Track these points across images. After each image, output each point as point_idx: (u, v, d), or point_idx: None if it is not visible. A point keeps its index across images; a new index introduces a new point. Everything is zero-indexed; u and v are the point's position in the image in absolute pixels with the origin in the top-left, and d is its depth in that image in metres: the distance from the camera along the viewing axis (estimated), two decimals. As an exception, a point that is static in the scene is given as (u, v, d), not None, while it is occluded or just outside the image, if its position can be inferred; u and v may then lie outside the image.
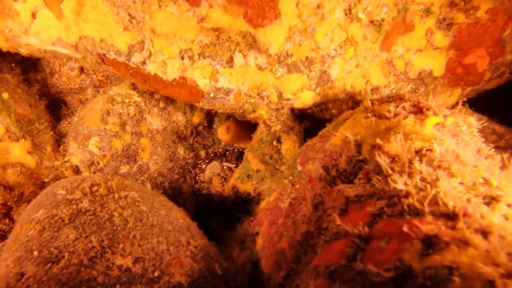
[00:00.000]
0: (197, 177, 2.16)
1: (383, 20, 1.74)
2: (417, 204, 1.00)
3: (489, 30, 1.81)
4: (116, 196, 1.40)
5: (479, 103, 2.18)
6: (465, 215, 0.92)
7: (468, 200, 1.00)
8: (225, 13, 1.61)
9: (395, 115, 1.40)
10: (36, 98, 2.20)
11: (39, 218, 1.29)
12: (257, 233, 1.64)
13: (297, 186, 1.56)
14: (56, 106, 2.28)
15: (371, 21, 1.73)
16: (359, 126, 1.44)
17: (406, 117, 1.36)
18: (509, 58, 1.90)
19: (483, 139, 1.35)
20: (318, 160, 1.47)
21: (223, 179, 2.07)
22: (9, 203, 1.66)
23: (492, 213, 0.93)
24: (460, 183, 1.09)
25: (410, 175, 1.15)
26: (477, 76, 1.94)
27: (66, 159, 2.03)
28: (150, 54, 1.72)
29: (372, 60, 1.78)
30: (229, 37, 1.69)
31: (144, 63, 1.73)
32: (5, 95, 1.94)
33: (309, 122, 1.99)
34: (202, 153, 2.21)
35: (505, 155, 1.22)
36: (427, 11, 1.78)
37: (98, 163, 1.92)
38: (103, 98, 1.96)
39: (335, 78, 1.75)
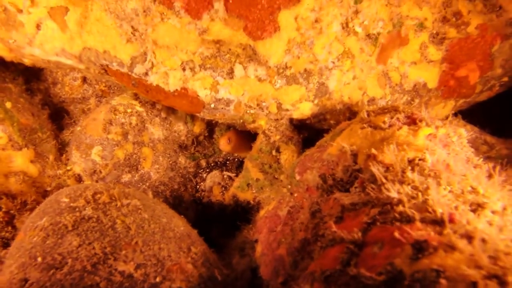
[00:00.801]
0: (197, 186, 2.21)
1: (379, 33, 1.81)
2: (409, 212, 1.06)
3: (479, 45, 1.88)
4: (119, 203, 1.45)
5: (473, 115, 2.25)
6: (452, 221, 0.97)
7: (456, 207, 1.06)
8: (225, 26, 1.68)
9: (390, 126, 1.46)
10: (38, 107, 2.25)
11: (43, 225, 1.33)
12: (256, 241, 1.69)
13: (295, 195, 1.61)
14: (58, 116, 2.33)
15: (368, 35, 1.80)
16: (355, 137, 1.50)
17: (400, 128, 1.42)
18: (498, 72, 1.97)
19: (472, 149, 1.41)
20: (315, 169, 1.52)
21: (223, 188, 2.12)
22: (11, 212, 1.70)
23: (478, 219, 0.98)
24: (450, 191, 1.14)
25: (402, 184, 1.21)
26: (469, 89, 2.01)
27: (68, 167, 2.07)
28: (152, 66, 1.78)
29: (368, 72, 1.85)
30: (230, 49, 1.75)
31: (146, 74, 1.79)
32: (8, 105, 1.99)
33: (308, 132, 2.05)
34: (203, 163, 2.26)
35: (491, 165, 1.28)
36: (421, 26, 1.85)
37: (101, 172, 1.97)
38: (105, 108, 2.02)
39: (333, 89, 1.82)
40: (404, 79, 1.93)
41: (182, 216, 1.74)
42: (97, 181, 2.02)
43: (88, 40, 1.71)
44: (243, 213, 2.07)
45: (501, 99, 2.24)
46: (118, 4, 1.66)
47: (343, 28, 1.75)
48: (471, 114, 2.21)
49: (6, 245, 1.62)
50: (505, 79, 2.03)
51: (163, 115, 2.15)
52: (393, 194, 1.13)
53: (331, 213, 1.35)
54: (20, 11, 1.64)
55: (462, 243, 0.87)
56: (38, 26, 1.68)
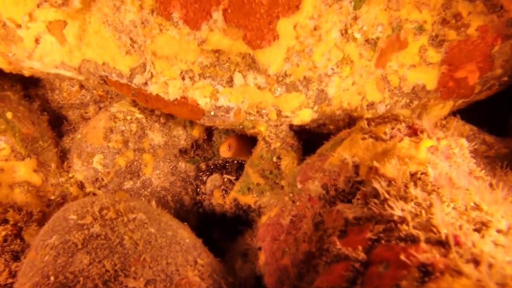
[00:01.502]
0: (198, 189, 2.23)
1: (378, 38, 1.80)
2: (413, 232, 1.08)
3: (479, 46, 1.88)
4: (125, 219, 1.47)
5: (471, 110, 2.26)
6: (457, 243, 1.00)
7: (460, 227, 1.08)
8: (225, 36, 1.66)
9: (391, 137, 1.47)
10: (37, 114, 2.24)
11: (53, 243, 1.35)
12: (260, 248, 1.72)
13: (297, 204, 1.63)
14: (57, 122, 2.32)
15: (367, 40, 1.79)
16: (357, 147, 1.51)
17: (402, 139, 1.43)
18: (498, 72, 1.98)
19: (474, 160, 1.43)
20: (317, 179, 1.54)
21: (224, 191, 2.14)
22: (19, 224, 1.71)
23: (483, 241, 1.01)
24: (453, 208, 1.17)
25: (405, 200, 1.23)
26: (468, 89, 2.01)
27: (70, 175, 2.08)
28: (152, 76, 1.77)
29: (367, 77, 1.85)
30: (229, 58, 1.74)
31: (146, 84, 1.78)
32: (9, 115, 1.98)
33: (307, 135, 2.06)
34: (203, 166, 2.28)
35: (494, 181, 1.30)
36: (420, 29, 1.84)
37: (103, 180, 1.98)
38: (105, 116, 2.01)
39: (332, 96, 1.82)
40: (403, 82, 1.93)
41: (186, 223, 1.76)
42: (99, 188, 2.03)
43: (87, 52, 1.69)
44: (244, 216, 2.09)
45: (499, 95, 2.25)
46: (116, 16, 1.64)
47: (342, 34, 1.74)
48: (469, 109, 2.23)
49: (16, 258, 1.64)
50: (505, 78, 2.04)
51: (162, 120, 2.15)
52: (397, 212, 1.16)
53: (335, 226, 1.38)
54: (19, 26, 1.61)
55: (468, 268, 0.90)
56: (37, 40, 1.65)
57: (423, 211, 1.15)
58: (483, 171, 1.39)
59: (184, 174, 2.20)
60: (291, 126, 1.93)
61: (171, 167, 2.14)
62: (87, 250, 1.34)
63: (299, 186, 1.66)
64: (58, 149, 2.13)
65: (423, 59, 1.88)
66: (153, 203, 1.73)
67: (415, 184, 1.27)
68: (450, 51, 1.89)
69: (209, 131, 2.37)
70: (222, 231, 2.17)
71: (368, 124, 1.60)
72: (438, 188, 1.24)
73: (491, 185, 1.38)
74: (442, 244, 1.02)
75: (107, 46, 1.68)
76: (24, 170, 1.92)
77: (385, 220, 1.21)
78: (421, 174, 1.30)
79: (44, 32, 1.64)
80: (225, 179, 2.16)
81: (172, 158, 2.16)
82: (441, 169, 1.31)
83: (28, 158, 1.96)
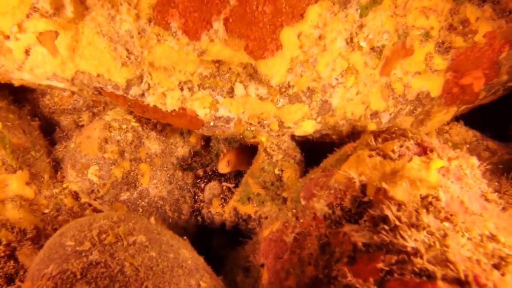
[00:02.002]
0: (196, 197, 2.16)
1: (383, 46, 1.72)
2: (428, 266, 1.04)
3: (486, 53, 1.82)
4: (125, 243, 1.40)
5: (473, 115, 2.22)
6: (477, 284, 0.96)
7: (478, 262, 1.04)
8: (226, 47, 1.57)
9: (400, 155, 1.41)
10: (28, 120, 2.13)
11: (51, 273, 1.28)
12: (262, 265, 1.67)
13: (301, 221, 1.58)
14: (49, 128, 2.22)
15: (372, 48, 1.71)
16: (364, 166, 1.45)
17: (411, 159, 1.38)
18: (504, 79, 1.92)
19: (485, 181, 1.38)
20: (323, 198, 1.48)
21: (223, 200, 2.08)
22: (12, 244, 1.63)
23: (504, 281, 0.97)
24: (468, 239, 1.13)
25: (417, 228, 1.18)
26: (473, 96, 1.96)
27: (64, 185, 1.99)
28: (149, 87, 1.67)
29: (372, 85, 1.78)
30: (230, 68, 1.65)
31: (143, 95, 1.69)
32: (-2, 125, 1.87)
33: (309, 145, 1.99)
34: (200, 172, 2.20)
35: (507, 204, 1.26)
36: (427, 35, 1.76)
37: (98, 191, 1.90)
38: (99, 125, 1.91)
39: (336, 106, 1.75)
40: (407, 89, 1.86)
41: (186, 238, 1.70)
42: (95, 200, 1.95)
43: (81, 64, 1.59)
44: (244, 225, 2.04)
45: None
46: (111, 26, 1.53)
47: (347, 43, 1.65)
48: (472, 113, 2.18)
49: (11, 281, 1.57)
50: (511, 84, 1.98)
51: (159, 127, 2.06)
52: (410, 244, 1.11)
53: (342, 250, 1.33)
54: (7, 37, 1.50)
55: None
56: (27, 52, 1.54)
57: (437, 243, 1.11)
58: (496, 193, 1.34)
59: (182, 182, 2.13)
60: (293, 137, 1.86)
61: (168, 175, 2.07)
62: (86, 280, 1.27)
63: (303, 202, 1.60)
64: (51, 158, 2.03)
65: (429, 66, 1.82)
66: (152, 219, 1.67)
67: (427, 210, 1.22)
68: (456, 58, 1.82)
69: (206, 137, 2.29)
70: (221, 239, 2.12)
71: (375, 139, 1.54)
72: (451, 215, 1.19)
73: (504, 208, 1.35)
74: (460, 283, 0.98)
75: (102, 57, 1.57)
76: (16, 184, 1.83)
77: (397, 250, 1.16)
78: (433, 198, 1.25)
79: (34, 43, 1.53)
80: (224, 187, 2.10)
81: (170, 166, 2.09)
82: (453, 193, 1.26)
83: (20, 171, 1.86)
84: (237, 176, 2.20)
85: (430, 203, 1.25)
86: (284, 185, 1.82)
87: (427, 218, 1.18)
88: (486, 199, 1.33)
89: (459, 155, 1.38)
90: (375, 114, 1.84)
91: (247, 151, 2.02)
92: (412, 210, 1.24)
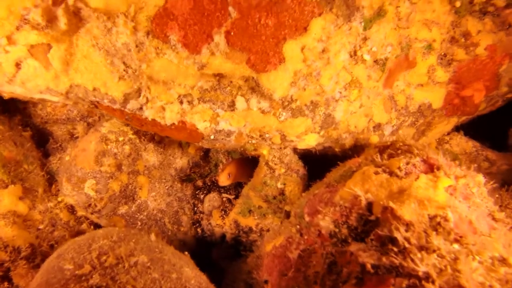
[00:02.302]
0: (195, 208, 2.12)
1: (387, 59, 1.69)
2: (442, 294, 1.02)
3: (487, 66, 1.80)
4: (126, 265, 1.35)
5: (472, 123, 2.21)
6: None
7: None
8: (227, 60, 1.52)
9: (406, 173, 1.39)
10: (19, 131, 2.05)
11: (49, 301, 1.23)
12: (266, 282, 1.64)
13: (306, 237, 1.55)
14: (42, 138, 2.14)
15: (375, 61, 1.68)
16: (370, 183, 1.42)
17: (418, 177, 1.35)
18: (504, 90, 1.92)
19: (492, 200, 1.36)
20: (328, 215, 1.45)
21: (223, 212, 2.04)
22: (6, 264, 1.57)
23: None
24: (479, 262, 1.11)
25: (427, 251, 1.16)
26: (473, 107, 1.95)
27: (59, 199, 1.93)
28: (147, 100, 1.61)
29: (375, 98, 1.75)
30: (231, 81, 1.61)
31: (141, 109, 1.63)
32: (-11, 138, 1.79)
33: (311, 157, 1.96)
34: (200, 183, 2.16)
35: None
36: (429, 48, 1.74)
37: (96, 205, 1.84)
38: (95, 137, 1.85)
39: (339, 120, 1.71)
40: (410, 101, 1.84)
41: (187, 254, 1.65)
42: (92, 214, 1.89)
43: (76, 77, 1.52)
44: (245, 237, 2.01)
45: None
46: (107, 39, 1.46)
47: (351, 56, 1.62)
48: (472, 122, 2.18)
49: (5, 304, 1.51)
50: (509, 95, 1.98)
51: (157, 139, 2.00)
52: (422, 268, 1.09)
53: (350, 271, 1.30)
54: (-4, 50, 1.42)
55: None
56: (18, 65, 1.47)
57: (448, 267, 1.09)
58: (503, 213, 1.33)
59: (181, 193, 2.08)
60: (295, 150, 1.82)
61: (167, 187, 2.01)
62: (87, 306, 1.22)
63: (307, 218, 1.57)
64: (44, 171, 1.96)
65: (431, 79, 1.79)
66: (153, 236, 1.61)
67: (436, 232, 1.20)
68: (458, 70, 1.81)
69: (206, 148, 2.24)
70: (221, 250, 2.08)
71: (380, 155, 1.51)
72: (461, 237, 1.17)
73: None
74: (475, 312, 0.96)
75: (98, 71, 1.51)
76: (8, 199, 1.76)
77: (407, 274, 1.14)
78: (441, 218, 1.23)
79: (26, 57, 1.46)
80: (224, 199, 2.05)
81: (168, 178, 2.03)
82: (461, 213, 1.24)
83: (12, 185, 1.78)
84: (237, 187, 2.16)
85: (439, 223, 1.23)
86: (287, 199, 1.79)
87: (436, 240, 1.15)
88: (494, 218, 1.32)
89: (466, 174, 1.36)
90: (378, 127, 1.82)
91: (247, 163, 1.98)
92: (421, 231, 1.21)
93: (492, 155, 2.04)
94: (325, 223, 1.45)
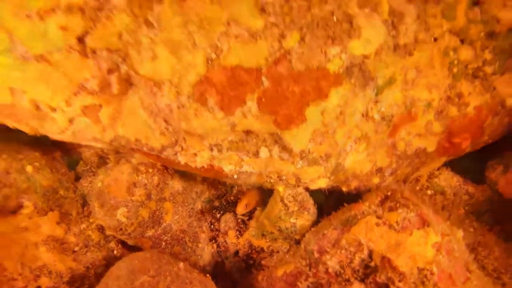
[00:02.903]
0: (212, 226, 2.41)
1: (393, 116, 1.95)
2: None
3: (474, 121, 2.10)
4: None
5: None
6: None
7: None
8: (256, 121, 1.75)
9: (402, 227, 1.72)
10: (52, 154, 2.22)
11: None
12: (280, 305, 1.99)
13: (314, 271, 1.87)
14: (71, 159, 2.34)
15: (383, 118, 1.94)
16: (371, 233, 1.74)
17: (412, 233, 1.69)
18: (485, 139, 2.23)
19: (468, 254, 1.73)
20: (335, 257, 1.79)
21: (237, 232, 2.35)
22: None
23: None
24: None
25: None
26: (460, 151, 2.26)
27: (91, 220, 2.18)
28: (182, 149, 1.84)
29: (380, 147, 2.03)
30: (257, 135, 1.85)
31: (175, 155, 1.87)
32: (29, 169, 1.99)
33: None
34: (217, 203, 2.44)
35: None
36: (429, 106, 2.01)
37: (126, 230, 2.10)
38: (127, 168, 2.07)
39: (348, 167, 2.00)
40: (408, 147, 2.14)
41: (208, 277, 1.95)
42: (121, 235, 2.16)
43: (121, 130, 1.73)
44: (256, 254, 2.34)
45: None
46: (152, 100, 1.67)
47: (362, 116, 1.88)
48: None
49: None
50: (489, 141, 2.32)
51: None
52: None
53: (355, 309, 1.67)
54: (54, 109, 1.61)
55: None
56: (71, 121, 1.66)
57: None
58: (475, 265, 1.70)
59: (200, 214, 2.37)
60: (307, 188, 2.12)
61: (188, 210, 2.29)
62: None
63: (316, 255, 1.89)
64: (77, 194, 2.19)
65: (429, 130, 2.08)
66: (181, 265, 1.90)
67: (423, 284, 1.56)
68: (451, 124, 2.10)
69: (221, 171, 2.50)
70: (233, 264, 2.41)
71: (382, 205, 1.83)
72: (443, 289, 1.54)
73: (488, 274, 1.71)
74: None
75: (142, 127, 1.72)
76: (47, 226, 1.98)
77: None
78: (428, 271, 1.58)
79: (79, 115, 1.65)
80: (239, 220, 2.36)
81: (190, 201, 2.30)
82: (444, 267, 1.60)
83: (51, 212, 2.02)
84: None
85: (426, 276, 1.58)
86: (297, 231, 2.10)
87: (423, 291, 1.52)
88: (468, 270, 1.69)
89: (449, 232, 1.71)
90: (380, 170, 2.12)
91: (262, 191, 2.27)
92: (411, 282, 1.58)
93: (471, 188, 2.40)
94: (332, 263, 1.79)
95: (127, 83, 1.62)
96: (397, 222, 1.72)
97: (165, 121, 1.70)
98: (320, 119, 1.78)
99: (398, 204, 1.81)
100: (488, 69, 1.98)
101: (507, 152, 2.38)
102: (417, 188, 2.45)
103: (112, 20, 1.45)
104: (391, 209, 1.79)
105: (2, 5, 1.37)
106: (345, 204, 1.97)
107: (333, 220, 1.94)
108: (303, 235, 2.07)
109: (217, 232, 2.38)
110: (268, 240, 2.20)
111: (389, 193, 1.89)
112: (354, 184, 2.07)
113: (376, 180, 2.11)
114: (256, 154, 1.88)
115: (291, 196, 2.02)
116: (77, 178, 2.29)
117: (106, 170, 2.14)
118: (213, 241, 2.38)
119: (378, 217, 1.78)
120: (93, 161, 2.33)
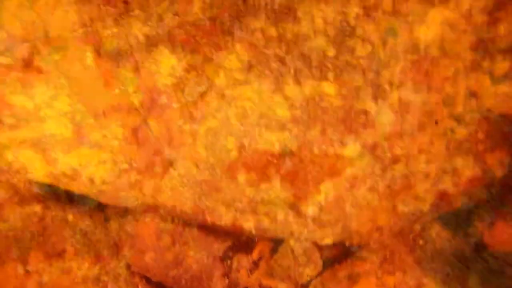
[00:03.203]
0: (225, 263, 2.71)
1: (395, 186, 2.26)
2: None
3: (465, 188, 2.42)
4: None
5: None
6: None
7: None
8: (278, 194, 2.04)
9: (398, 291, 2.04)
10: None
11: None
12: None
13: (320, 318, 2.20)
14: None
15: (386, 188, 2.24)
16: (371, 293, 2.07)
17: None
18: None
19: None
20: (339, 312, 2.10)
21: (249, 271, 2.65)
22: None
23: None
24: None
25: None
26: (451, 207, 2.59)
27: (119, 258, 2.45)
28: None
29: (381, 212, 2.34)
30: (276, 204, 2.13)
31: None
32: (70, 218, 2.24)
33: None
34: (229, 243, 2.73)
35: None
36: (427, 176, 2.32)
37: (153, 271, 2.39)
38: (155, 216, 2.34)
39: (353, 229, 2.31)
40: (406, 208, 2.45)
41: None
42: (146, 273, 2.44)
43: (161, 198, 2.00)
44: (265, 291, 2.66)
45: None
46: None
47: (369, 189, 2.17)
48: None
49: None
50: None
51: (201, 213, 2.52)
52: None
53: None
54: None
55: None
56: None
57: None
58: None
59: (217, 253, 2.66)
60: (315, 243, 2.42)
61: (207, 251, 2.58)
62: None
63: (323, 306, 2.21)
64: (107, 235, 2.45)
65: (424, 197, 2.40)
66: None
67: None
68: (445, 189, 2.41)
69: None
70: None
71: (381, 268, 2.15)
72: None
73: None
74: None
75: (181, 196, 1.99)
76: (86, 266, 2.27)
77: None
78: None
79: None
80: (250, 261, 2.65)
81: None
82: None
83: (87, 254, 2.29)
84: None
85: None
86: (304, 278, 2.42)
87: None
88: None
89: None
90: (379, 228, 2.43)
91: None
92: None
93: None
94: (337, 318, 2.11)
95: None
96: (394, 286, 2.03)
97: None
98: (333, 191, 2.06)
99: (395, 267, 2.12)
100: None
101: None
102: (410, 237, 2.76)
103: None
104: (389, 273, 2.10)
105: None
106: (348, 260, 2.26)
107: (338, 273, 2.24)
108: (309, 282, 2.38)
109: (229, 269, 2.67)
110: (276, 281, 2.50)
111: (388, 255, 2.20)
112: (356, 240, 2.37)
113: (375, 235, 2.41)
114: (274, 218, 2.16)
115: (301, 250, 2.31)
116: (106, 218, 2.54)
117: (135, 214, 2.40)
118: (226, 276, 2.68)
119: (378, 278, 2.08)
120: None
